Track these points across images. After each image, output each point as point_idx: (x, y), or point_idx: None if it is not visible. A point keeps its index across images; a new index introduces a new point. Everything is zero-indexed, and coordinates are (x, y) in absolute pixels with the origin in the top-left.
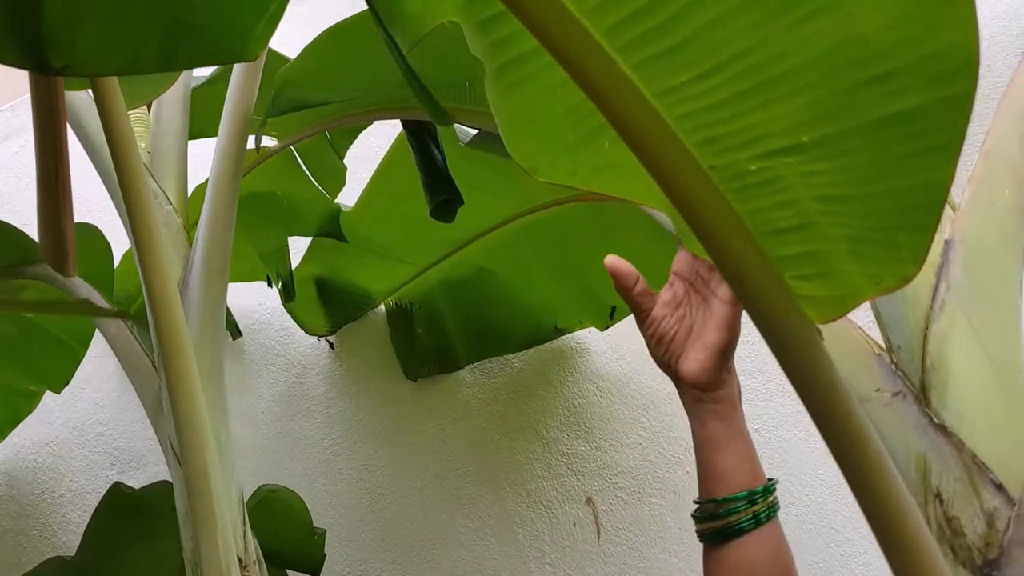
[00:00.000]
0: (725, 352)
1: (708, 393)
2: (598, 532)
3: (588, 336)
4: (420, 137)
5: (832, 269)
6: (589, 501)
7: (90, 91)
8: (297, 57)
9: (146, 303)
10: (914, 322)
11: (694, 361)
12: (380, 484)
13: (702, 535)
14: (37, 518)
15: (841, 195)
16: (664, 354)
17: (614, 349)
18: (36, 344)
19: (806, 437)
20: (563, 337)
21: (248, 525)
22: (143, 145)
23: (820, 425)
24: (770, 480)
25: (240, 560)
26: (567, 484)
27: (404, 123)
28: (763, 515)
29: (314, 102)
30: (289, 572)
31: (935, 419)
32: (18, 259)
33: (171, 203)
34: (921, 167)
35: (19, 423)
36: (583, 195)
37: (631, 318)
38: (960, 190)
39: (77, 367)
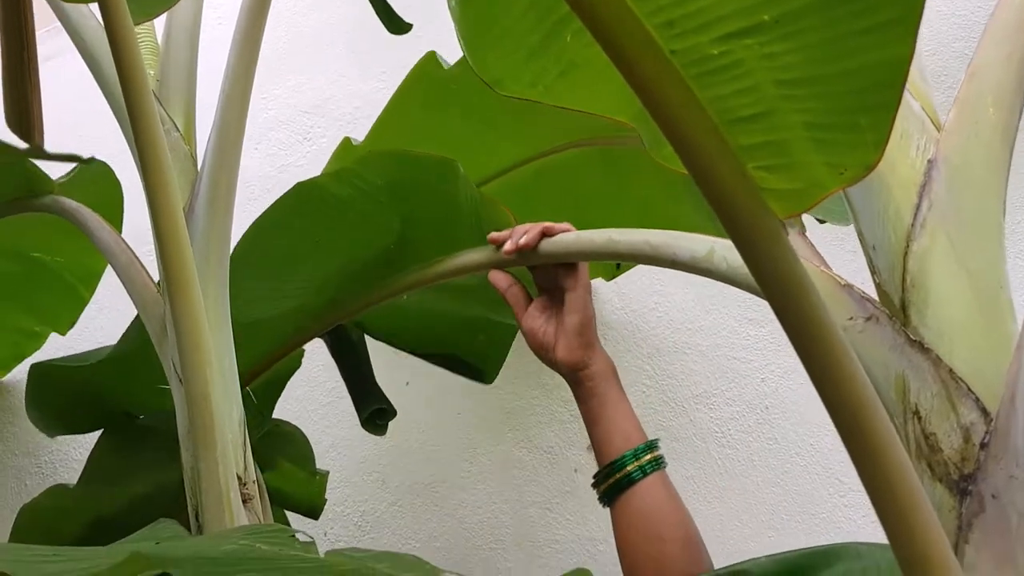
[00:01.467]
0: (581, 330)
1: (580, 372)
2: None
3: (594, 284)
4: (342, 346)
5: (795, 160)
6: (591, 448)
7: (96, 10)
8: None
9: (152, 229)
10: (895, 241)
11: (562, 346)
12: None
13: (602, 498)
14: (38, 454)
15: (800, 78)
16: (541, 349)
17: (620, 297)
18: (40, 284)
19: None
20: None
21: (249, 446)
22: (152, 73)
23: (784, 322)
24: (653, 440)
25: (240, 478)
26: (568, 431)
27: (327, 335)
28: (649, 467)
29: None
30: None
31: (912, 336)
32: (26, 190)
33: (178, 130)
34: (878, 43)
35: (23, 359)
36: (595, 138)
37: (637, 269)
38: (946, 112)
39: (82, 310)
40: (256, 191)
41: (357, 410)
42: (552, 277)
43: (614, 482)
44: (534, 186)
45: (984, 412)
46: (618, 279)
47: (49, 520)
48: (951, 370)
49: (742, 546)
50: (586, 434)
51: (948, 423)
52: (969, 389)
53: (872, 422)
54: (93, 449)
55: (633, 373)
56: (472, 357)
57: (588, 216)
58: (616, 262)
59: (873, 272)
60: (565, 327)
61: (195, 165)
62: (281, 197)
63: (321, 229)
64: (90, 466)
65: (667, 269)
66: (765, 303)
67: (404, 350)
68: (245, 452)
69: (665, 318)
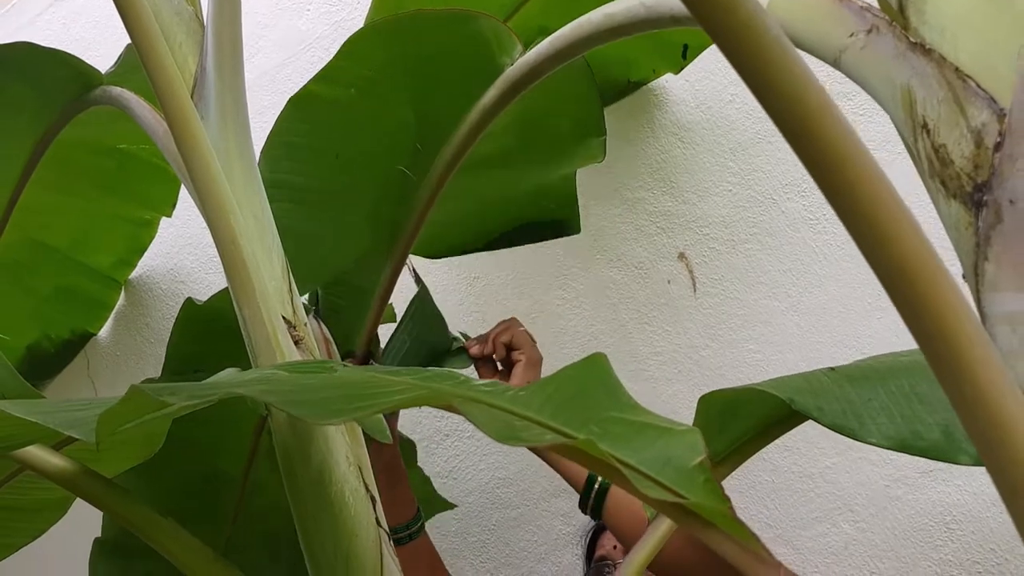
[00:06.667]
0: None
1: None
2: (694, 286)
3: (664, 85)
4: None
5: None
6: (682, 256)
7: None
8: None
9: (155, 94)
10: None
11: None
12: (473, 267)
13: (593, 515)
14: None
15: None
16: None
17: (694, 95)
18: (134, 172)
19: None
20: (637, 91)
21: (295, 291)
22: None
23: (717, 40)
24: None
25: (288, 321)
26: (657, 242)
27: None
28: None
29: None
30: None
31: (913, 39)
32: (81, 86)
33: None
34: None
35: (144, 251)
36: None
37: (707, 55)
38: None
39: (179, 188)
40: (317, 55)
41: None
42: (507, 357)
43: (596, 494)
44: None
45: (996, 110)
46: (691, 77)
47: None
48: (956, 68)
49: (849, 330)
50: (676, 243)
51: (958, 130)
52: (978, 86)
53: (820, 117)
54: (169, 341)
55: (715, 173)
56: (549, 218)
57: None
58: (682, 51)
59: None
60: None
61: (201, 26)
62: (280, 115)
63: (334, 140)
64: (171, 357)
65: None
66: None
67: (482, 251)
68: (292, 296)
69: (744, 108)
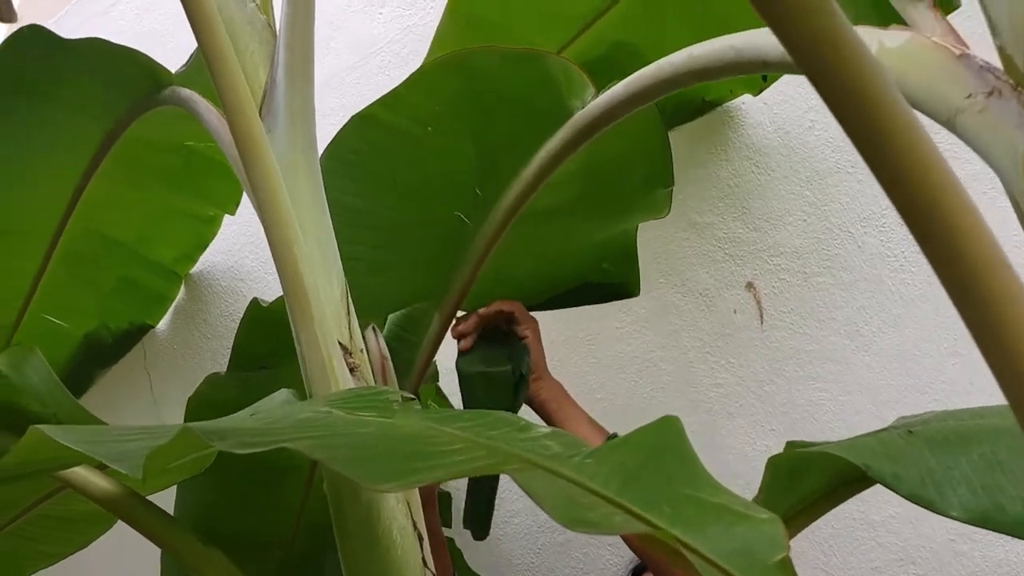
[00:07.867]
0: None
1: (535, 404)
2: (761, 317)
3: (741, 106)
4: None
5: None
6: (750, 286)
7: None
8: None
9: (223, 109)
10: None
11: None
12: None
13: None
14: (227, 337)
15: None
16: None
17: (772, 119)
18: (200, 169)
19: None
20: (712, 111)
21: (353, 316)
22: None
23: (826, 97)
24: (612, 435)
25: (344, 347)
26: (724, 270)
27: None
28: None
29: None
30: None
31: None
32: (151, 85)
33: (254, 1)
34: None
35: (206, 247)
36: None
37: (787, 79)
38: None
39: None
40: (387, 59)
41: (467, 523)
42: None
43: None
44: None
45: None
46: (770, 100)
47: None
48: None
49: (923, 375)
50: (744, 271)
51: None
52: None
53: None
54: (235, 339)
55: (790, 201)
56: (608, 280)
57: (715, 21)
58: (762, 74)
59: (994, 34)
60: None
61: (274, 35)
62: (342, 129)
63: (394, 168)
64: (236, 354)
65: None
66: None
67: (538, 310)
68: (350, 322)
69: (824, 136)
